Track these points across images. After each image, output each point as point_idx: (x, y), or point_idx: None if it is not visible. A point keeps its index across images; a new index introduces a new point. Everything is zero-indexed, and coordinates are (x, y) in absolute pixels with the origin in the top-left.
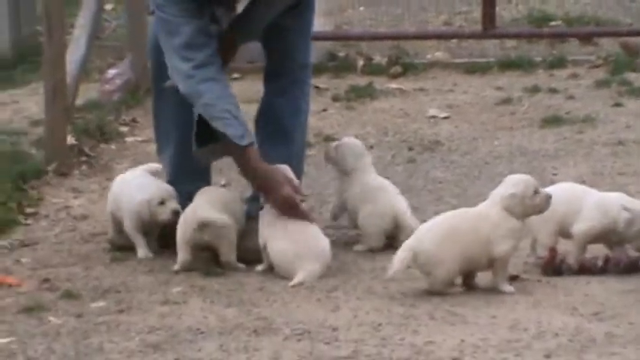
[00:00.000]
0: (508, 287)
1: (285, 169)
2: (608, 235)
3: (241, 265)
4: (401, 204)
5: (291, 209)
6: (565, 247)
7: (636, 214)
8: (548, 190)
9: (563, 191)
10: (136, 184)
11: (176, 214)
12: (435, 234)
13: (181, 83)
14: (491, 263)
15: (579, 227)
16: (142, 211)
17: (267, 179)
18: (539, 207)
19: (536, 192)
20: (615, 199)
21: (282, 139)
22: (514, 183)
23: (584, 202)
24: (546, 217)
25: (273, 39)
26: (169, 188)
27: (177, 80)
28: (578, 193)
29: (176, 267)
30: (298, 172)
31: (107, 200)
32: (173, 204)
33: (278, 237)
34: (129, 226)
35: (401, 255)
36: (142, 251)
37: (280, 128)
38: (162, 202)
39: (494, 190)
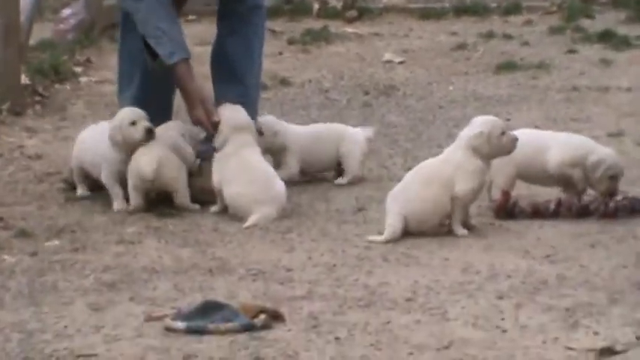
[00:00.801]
0: (461, 230)
1: (206, 99)
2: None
3: (195, 206)
4: None
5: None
6: (518, 192)
7: (601, 157)
8: None
9: (522, 135)
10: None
11: (149, 132)
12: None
13: (122, 2)
14: (452, 201)
15: (552, 160)
16: (115, 135)
17: (186, 97)
18: (505, 148)
19: (503, 133)
20: (583, 139)
21: (234, 79)
22: (482, 122)
23: (547, 144)
24: (505, 161)
25: None
26: (138, 110)
27: None
28: (538, 136)
29: (130, 208)
30: (251, 112)
31: (72, 155)
32: (144, 122)
33: (233, 179)
34: (106, 175)
35: (393, 223)
36: (118, 203)
37: (232, 68)
38: (133, 123)
39: (461, 132)
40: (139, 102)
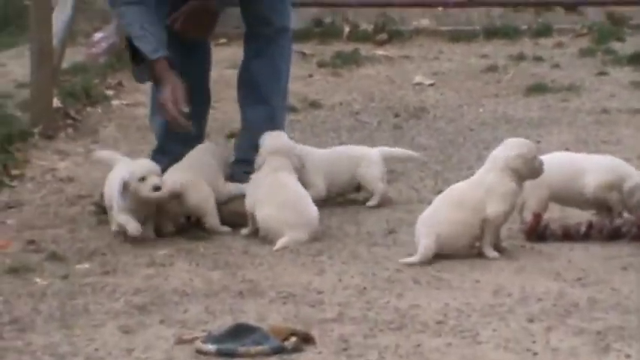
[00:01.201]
0: (492, 252)
1: (178, 87)
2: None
3: (226, 229)
4: None
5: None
6: (550, 214)
7: (639, 182)
8: (542, 158)
9: (556, 158)
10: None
11: (156, 190)
12: (445, 217)
13: (110, 5)
14: (483, 223)
15: (590, 183)
16: (124, 188)
17: (161, 84)
18: (537, 171)
19: (535, 156)
20: (619, 162)
21: (260, 101)
22: (519, 145)
23: (583, 167)
24: (538, 183)
25: (248, 2)
26: (150, 164)
27: (109, 1)
28: (573, 159)
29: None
30: None
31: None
32: (154, 179)
33: (266, 202)
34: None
35: (426, 244)
36: (132, 227)
37: (258, 90)
38: (142, 179)
39: (494, 153)
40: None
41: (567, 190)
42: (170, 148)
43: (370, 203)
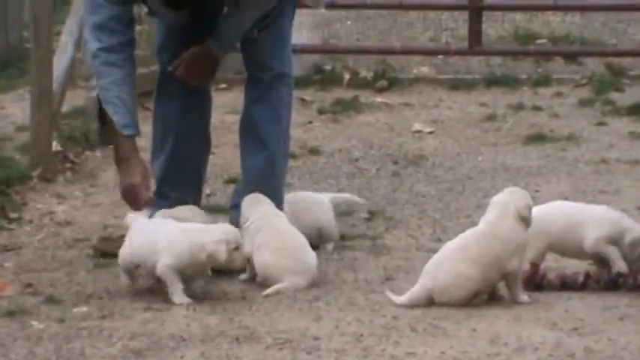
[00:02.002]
0: (525, 297)
1: (147, 173)
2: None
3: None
4: None
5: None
6: (546, 263)
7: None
8: (541, 207)
9: (555, 208)
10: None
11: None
12: (448, 267)
13: (89, 60)
14: (505, 277)
15: (590, 237)
16: (218, 253)
17: (129, 167)
18: (531, 219)
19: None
20: (618, 215)
21: (258, 147)
22: (524, 195)
23: (583, 219)
24: (537, 233)
25: (249, 49)
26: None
27: (87, 56)
28: (572, 210)
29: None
30: (279, 179)
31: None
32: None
33: (264, 248)
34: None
35: (417, 292)
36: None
37: (257, 136)
38: (237, 248)
39: (502, 201)
40: (170, 169)
41: (565, 242)
42: (168, 193)
43: (328, 248)
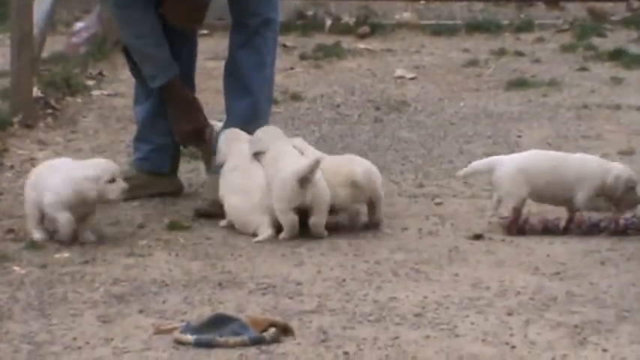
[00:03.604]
0: None
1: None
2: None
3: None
4: None
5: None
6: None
7: (617, 174)
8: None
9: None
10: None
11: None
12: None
13: (111, 8)
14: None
15: (579, 199)
16: (86, 189)
17: (187, 107)
18: None
19: None
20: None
21: (244, 91)
22: None
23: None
24: (519, 181)
25: None
26: (114, 165)
27: (109, 4)
28: (555, 165)
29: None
30: (263, 124)
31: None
32: (122, 182)
33: (232, 192)
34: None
35: (481, 163)
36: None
37: (243, 80)
38: (112, 181)
39: None
40: (155, 114)
41: (553, 193)
42: (151, 138)
43: None
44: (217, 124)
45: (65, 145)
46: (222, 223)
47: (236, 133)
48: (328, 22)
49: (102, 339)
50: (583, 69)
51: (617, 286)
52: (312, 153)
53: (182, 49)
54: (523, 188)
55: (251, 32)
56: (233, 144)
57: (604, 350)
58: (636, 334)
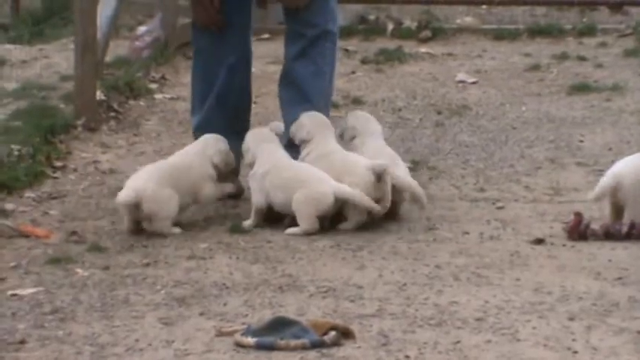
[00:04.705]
0: None
1: None
2: None
3: (176, 230)
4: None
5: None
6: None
7: None
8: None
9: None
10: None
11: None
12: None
13: None
14: None
15: None
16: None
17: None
18: None
19: None
20: None
21: (300, 101)
22: None
23: None
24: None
25: (290, 2)
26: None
27: None
28: None
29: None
30: None
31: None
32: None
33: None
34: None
35: (606, 181)
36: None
37: (300, 91)
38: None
39: None
40: (212, 121)
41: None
42: None
43: None
44: (279, 125)
45: (128, 149)
46: (246, 223)
47: (264, 133)
48: (390, 26)
49: (163, 341)
50: None
51: None
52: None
53: (236, 59)
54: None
55: (307, 43)
56: (261, 144)
57: None
58: None
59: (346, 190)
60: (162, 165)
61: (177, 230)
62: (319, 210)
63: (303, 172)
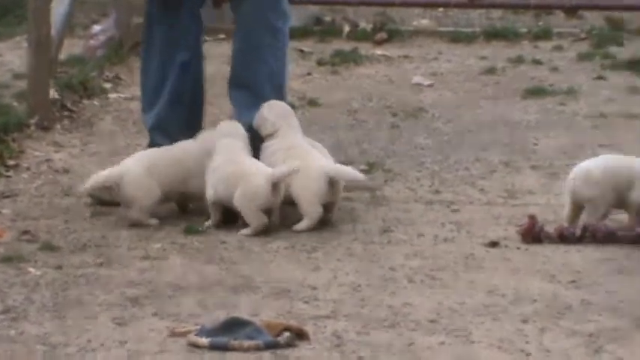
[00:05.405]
0: None
1: None
2: None
3: (153, 221)
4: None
5: None
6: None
7: None
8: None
9: (615, 161)
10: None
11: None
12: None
13: None
14: None
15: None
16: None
17: None
18: None
19: None
20: None
21: (254, 102)
22: None
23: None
24: (606, 187)
25: (241, 1)
26: None
27: None
28: (627, 164)
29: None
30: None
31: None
32: None
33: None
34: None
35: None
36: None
37: (252, 91)
38: None
39: None
40: (165, 120)
41: (622, 195)
42: (160, 141)
43: None
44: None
45: (82, 148)
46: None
47: (232, 126)
48: (346, 28)
49: (116, 341)
50: (600, 77)
51: (633, 294)
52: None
53: (189, 58)
54: (610, 194)
55: (259, 42)
56: (222, 139)
57: (619, 359)
58: None
59: (281, 171)
60: (154, 152)
61: (154, 222)
62: (259, 204)
63: (244, 166)
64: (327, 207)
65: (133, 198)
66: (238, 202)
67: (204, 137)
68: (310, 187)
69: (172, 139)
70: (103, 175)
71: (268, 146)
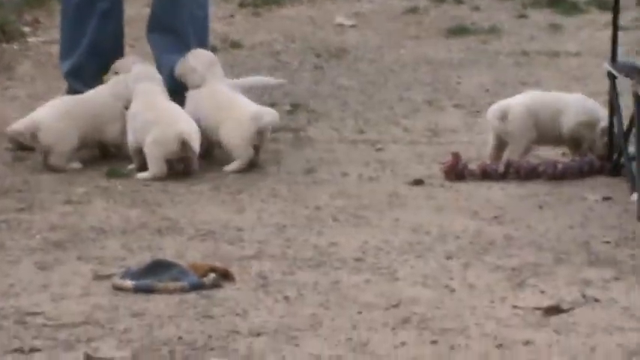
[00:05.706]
0: None
1: None
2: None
3: (76, 165)
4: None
5: None
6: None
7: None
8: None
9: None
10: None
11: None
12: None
13: None
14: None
15: (569, 123)
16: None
17: None
18: None
19: None
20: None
21: (177, 47)
22: None
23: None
24: (528, 124)
25: None
26: None
27: None
28: (553, 99)
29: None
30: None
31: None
32: None
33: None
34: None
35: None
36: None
37: (173, 35)
38: None
39: None
40: (85, 65)
41: (547, 129)
42: (78, 88)
43: None
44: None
45: (1, 93)
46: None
47: (149, 71)
48: None
49: (40, 285)
50: (522, 16)
51: (555, 229)
52: None
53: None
54: (532, 131)
55: None
56: (140, 83)
57: (541, 292)
58: (573, 275)
59: (192, 135)
60: (68, 100)
61: (76, 165)
62: (165, 153)
63: (163, 113)
64: (254, 149)
65: (50, 146)
66: (146, 149)
67: (116, 81)
68: (240, 130)
69: (89, 85)
70: (20, 124)
71: (193, 94)
